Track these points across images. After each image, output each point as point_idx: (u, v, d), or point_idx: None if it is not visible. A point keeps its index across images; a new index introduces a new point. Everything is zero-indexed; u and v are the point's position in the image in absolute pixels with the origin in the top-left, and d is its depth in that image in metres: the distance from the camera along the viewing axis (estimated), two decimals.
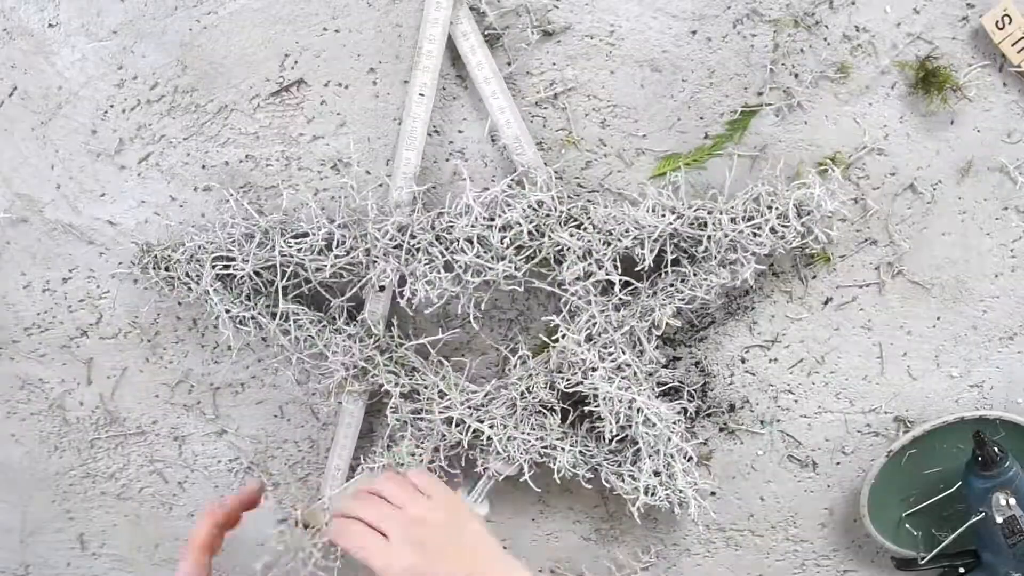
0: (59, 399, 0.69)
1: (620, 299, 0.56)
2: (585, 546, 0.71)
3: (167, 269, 0.58)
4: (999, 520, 0.59)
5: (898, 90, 0.57)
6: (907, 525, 0.67)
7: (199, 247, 0.57)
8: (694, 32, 0.56)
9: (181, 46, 0.58)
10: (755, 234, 0.54)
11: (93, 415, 0.69)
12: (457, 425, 0.59)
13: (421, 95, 0.54)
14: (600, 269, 0.54)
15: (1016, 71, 0.56)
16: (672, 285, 0.57)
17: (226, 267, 0.56)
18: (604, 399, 0.56)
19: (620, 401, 0.56)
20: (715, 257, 0.55)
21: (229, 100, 0.59)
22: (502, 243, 0.53)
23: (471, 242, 0.54)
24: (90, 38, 0.59)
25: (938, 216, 0.60)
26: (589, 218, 0.55)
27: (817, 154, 0.59)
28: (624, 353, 0.56)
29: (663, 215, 0.55)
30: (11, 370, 0.68)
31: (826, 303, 0.62)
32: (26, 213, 0.63)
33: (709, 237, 0.54)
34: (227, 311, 0.57)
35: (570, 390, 0.58)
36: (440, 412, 0.58)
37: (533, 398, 0.59)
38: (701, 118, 0.58)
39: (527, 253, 0.54)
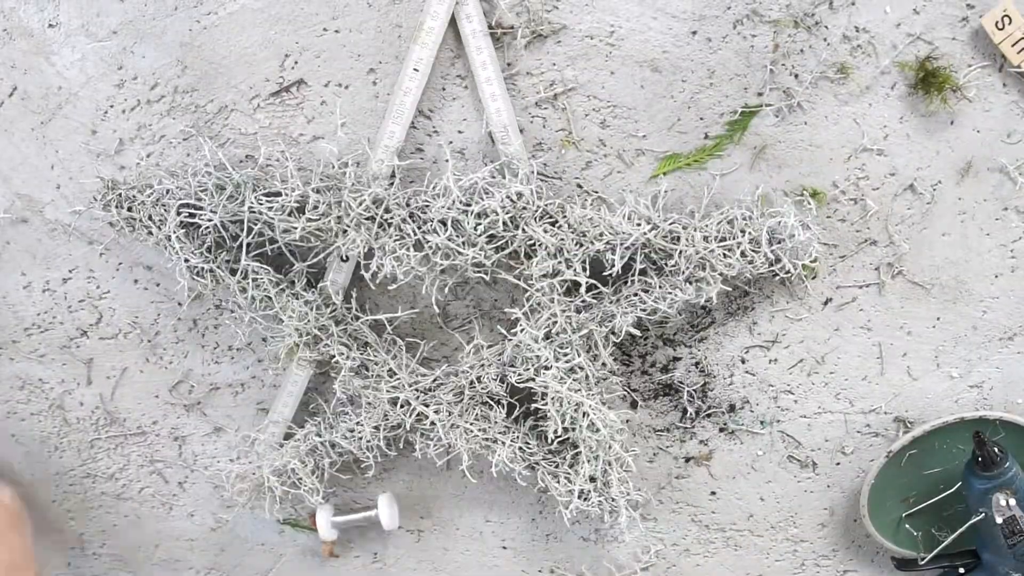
0: (59, 399, 0.69)
1: (583, 301, 0.57)
2: (585, 546, 0.71)
3: (130, 209, 0.57)
4: (999, 520, 0.59)
5: (898, 90, 0.57)
6: (907, 525, 0.67)
7: (167, 191, 0.56)
8: (694, 33, 0.56)
9: (181, 46, 0.58)
10: (725, 255, 0.55)
11: (93, 415, 0.69)
12: (402, 406, 0.59)
13: (416, 70, 0.54)
14: (568, 269, 0.54)
15: (1016, 71, 0.56)
16: (636, 295, 0.57)
17: (191, 216, 0.55)
18: (553, 398, 0.56)
19: (568, 402, 0.56)
20: (683, 272, 0.55)
21: (229, 100, 0.59)
22: (476, 229, 0.53)
23: (444, 224, 0.53)
24: (90, 38, 0.59)
25: (938, 216, 0.60)
26: (565, 217, 0.55)
27: (817, 154, 0.59)
28: (579, 355, 0.57)
29: (639, 224, 0.55)
30: (11, 370, 0.68)
31: (826, 303, 0.62)
32: (26, 213, 0.63)
33: (680, 252, 0.55)
34: (186, 261, 0.56)
35: (520, 385, 0.58)
36: (387, 391, 0.58)
37: (482, 388, 0.59)
38: (701, 118, 0.58)
39: (498, 243, 0.54)
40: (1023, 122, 0.57)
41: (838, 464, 0.67)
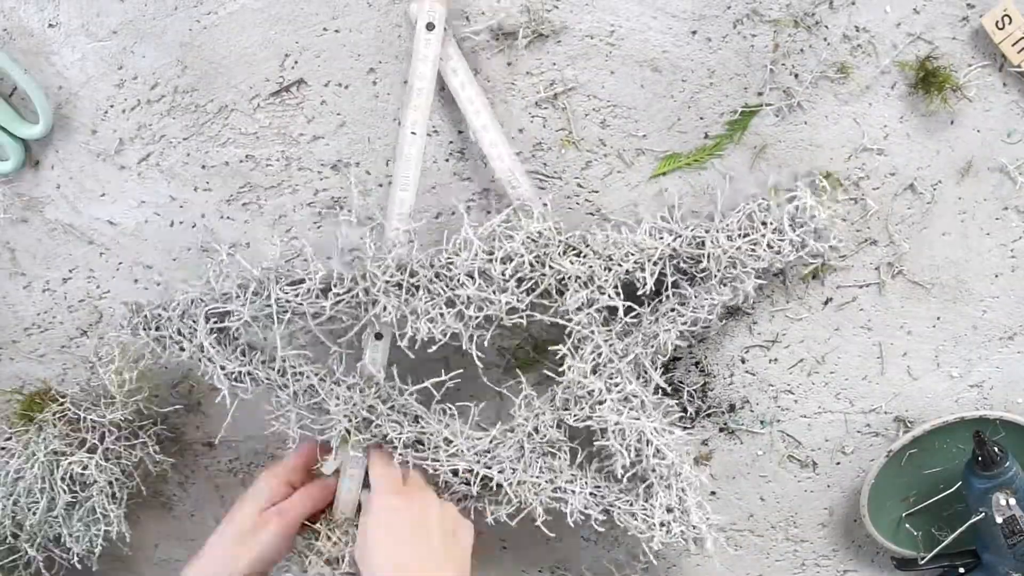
0: None
1: (624, 326, 0.56)
2: (585, 546, 0.71)
3: (157, 328, 0.56)
4: (999, 520, 0.59)
5: (898, 90, 0.57)
6: (907, 525, 0.67)
7: (192, 301, 0.55)
8: (694, 32, 0.56)
9: (181, 46, 0.58)
10: (752, 250, 0.55)
11: None
12: (464, 473, 0.57)
13: (413, 133, 0.54)
14: (603, 295, 0.54)
15: (1016, 71, 0.56)
16: (673, 309, 0.56)
17: (220, 320, 0.55)
18: (614, 432, 0.55)
19: (630, 432, 0.55)
20: (715, 275, 0.55)
21: (229, 100, 0.59)
22: (503, 275, 0.53)
23: (472, 276, 0.53)
24: (90, 38, 0.59)
25: (938, 216, 0.60)
26: (588, 245, 0.55)
27: (817, 154, 0.59)
28: (631, 383, 0.56)
29: (661, 236, 0.55)
30: (11, 370, 0.68)
31: (826, 303, 0.62)
32: (26, 213, 0.63)
33: (708, 256, 0.54)
34: (222, 368, 0.55)
35: (579, 425, 0.57)
36: (447, 461, 0.57)
37: (541, 438, 0.57)
38: (701, 118, 0.58)
39: (528, 285, 0.54)
40: (1023, 122, 0.57)
41: (838, 464, 0.67)
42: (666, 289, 0.56)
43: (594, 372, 0.55)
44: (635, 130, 0.59)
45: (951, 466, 0.64)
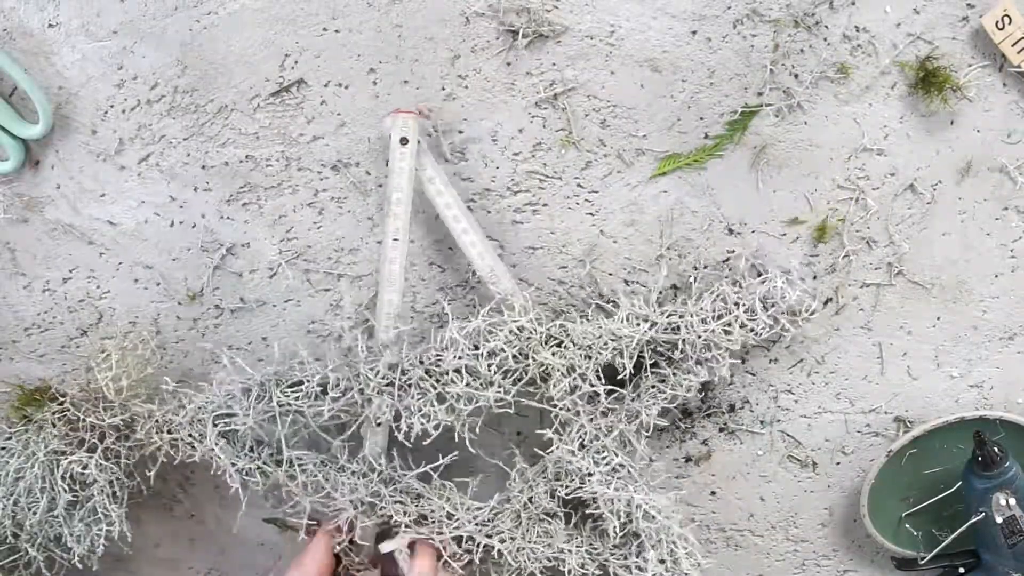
0: None
1: (606, 407, 0.59)
2: None
3: (170, 432, 0.60)
4: (999, 520, 0.59)
5: (898, 90, 0.57)
6: (907, 525, 0.67)
7: (199, 408, 0.59)
8: (694, 32, 0.56)
9: (181, 46, 0.58)
10: (726, 332, 0.57)
11: None
12: (467, 542, 0.61)
13: (395, 240, 0.57)
14: (584, 382, 0.57)
15: (1016, 71, 0.56)
16: (654, 386, 0.59)
17: (227, 424, 0.59)
18: (603, 501, 0.59)
19: (619, 500, 0.58)
20: (691, 358, 0.58)
21: (229, 100, 0.59)
22: (489, 370, 0.56)
23: (460, 372, 0.56)
24: (90, 38, 0.59)
25: (938, 216, 0.60)
26: (568, 335, 0.57)
27: (817, 154, 0.59)
28: (617, 455, 0.59)
29: (638, 324, 0.57)
30: (11, 370, 0.68)
31: (826, 303, 0.62)
32: (26, 213, 0.63)
33: (684, 340, 0.57)
34: (233, 464, 0.59)
35: (570, 497, 0.60)
36: (451, 533, 0.60)
37: (536, 508, 0.61)
38: (701, 118, 0.58)
39: (514, 376, 0.57)
40: (1023, 122, 0.57)
41: (838, 464, 0.67)
42: (645, 370, 0.59)
43: (581, 448, 0.59)
44: (635, 130, 0.59)
45: (951, 466, 0.64)
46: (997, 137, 0.58)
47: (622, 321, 0.57)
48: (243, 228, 0.63)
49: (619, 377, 0.57)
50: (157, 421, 0.60)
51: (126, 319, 0.66)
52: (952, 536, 0.63)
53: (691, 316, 0.57)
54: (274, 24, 0.57)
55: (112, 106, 0.60)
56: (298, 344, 0.63)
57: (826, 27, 0.56)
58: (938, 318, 0.63)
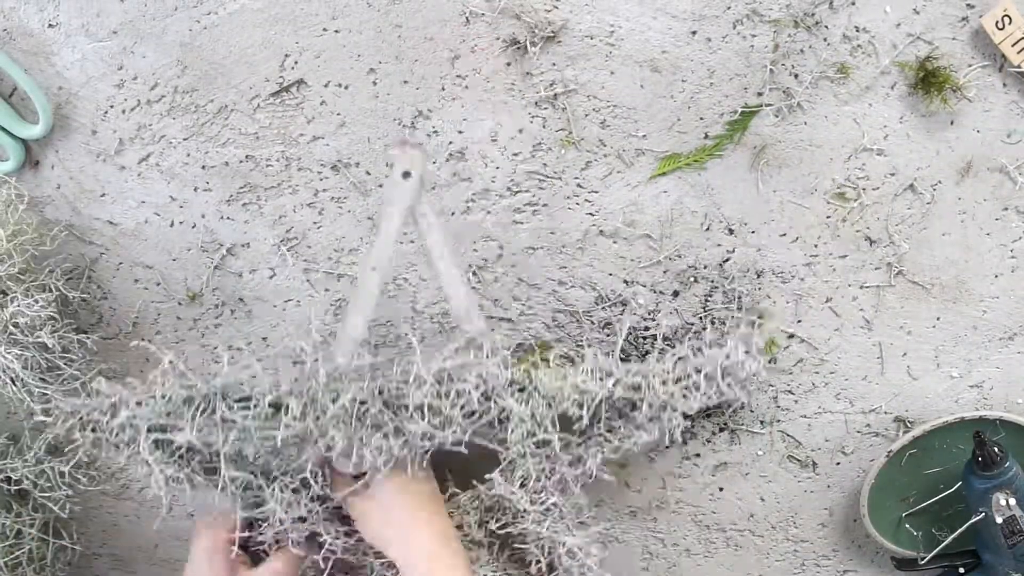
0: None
1: (554, 452, 0.59)
2: None
3: (94, 430, 0.55)
4: (999, 520, 0.59)
5: (898, 90, 0.57)
6: (907, 525, 0.67)
7: (134, 416, 0.54)
8: (694, 32, 0.56)
9: (181, 46, 0.58)
10: (684, 396, 0.57)
11: None
12: (392, 567, 0.59)
13: (373, 269, 0.55)
14: (541, 428, 0.56)
15: (1016, 71, 0.56)
16: (601, 434, 0.59)
17: (163, 433, 0.55)
18: (533, 538, 0.59)
19: (547, 539, 0.59)
20: (647, 416, 0.57)
21: (229, 100, 0.59)
22: (452, 410, 0.55)
23: (421, 410, 0.54)
24: (90, 38, 0.59)
25: (938, 216, 0.60)
26: (531, 382, 0.56)
27: (817, 154, 0.59)
28: (553, 495, 0.59)
29: (602, 378, 0.57)
30: None
31: (826, 303, 0.62)
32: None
33: (643, 399, 0.57)
34: (162, 472, 0.55)
35: (500, 532, 0.60)
36: (375, 555, 0.60)
37: (464, 536, 0.60)
38: (701, 118, 0.58)
39: (474, 417, 0.56)
40: (1023, 122, 0.57)
41: (838, 464, 0.67)
42: (599, 422, 0.58)
43: (521, 487, 0.58)
44: (635, 130, 0.59)
45: (951, 466, 0.64)
46: (997, 137, 0.58)
47: (588, 374, 0.57)
48: (243, 228, 0.63)
49: (573, 427, 0.57)
50: (81, 419, 0.55)
51: (126, 319, 0.66)
52: (952, 536, 0.63)
53: (653, 377, 0.57)
54: (274, 24, 0.57)
55: (112, 106, 0.60)
56: (251, 360, 0.56)
57: (826, 27, 0.56)
58: (938, 318, 0.63)
